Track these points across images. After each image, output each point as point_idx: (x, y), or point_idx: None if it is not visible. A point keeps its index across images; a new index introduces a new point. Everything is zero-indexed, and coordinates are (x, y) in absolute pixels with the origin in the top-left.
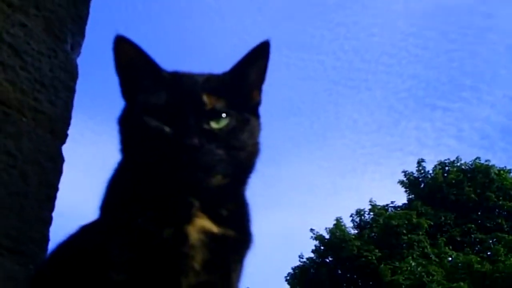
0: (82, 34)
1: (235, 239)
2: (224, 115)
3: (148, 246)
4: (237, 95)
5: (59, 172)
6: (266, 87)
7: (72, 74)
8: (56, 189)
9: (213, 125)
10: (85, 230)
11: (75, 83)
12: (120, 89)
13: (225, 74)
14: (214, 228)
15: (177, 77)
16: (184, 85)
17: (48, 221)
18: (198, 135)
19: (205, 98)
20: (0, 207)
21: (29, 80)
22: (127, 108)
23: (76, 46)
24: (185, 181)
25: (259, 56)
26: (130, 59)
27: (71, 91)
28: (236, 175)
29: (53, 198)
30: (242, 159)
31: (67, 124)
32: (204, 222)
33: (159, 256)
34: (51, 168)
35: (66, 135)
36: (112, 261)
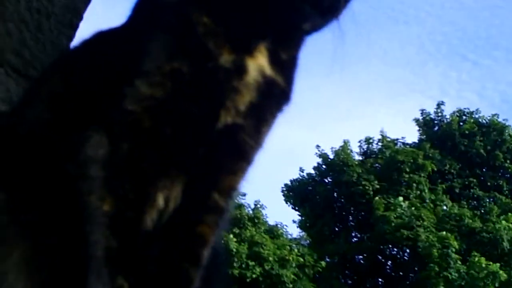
0: None
1: (283, 90)
2: None
3: (198, 67)
4: None
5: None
6: None
7: None
8: (80, 17)
9: None
10: (105, 35)
11: None
12: None
13: None
14: (269, 71)
15: None
16: None
17: (65, 50)
18: None
19: None
20: (16, 20)
21: None
22: None
23: None
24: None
25: None
26: None
27: None
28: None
29: (76, 26)
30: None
31: None
32: (262, 60)
33: (208, 82)
34: None
35: None
36: (135, 71)
